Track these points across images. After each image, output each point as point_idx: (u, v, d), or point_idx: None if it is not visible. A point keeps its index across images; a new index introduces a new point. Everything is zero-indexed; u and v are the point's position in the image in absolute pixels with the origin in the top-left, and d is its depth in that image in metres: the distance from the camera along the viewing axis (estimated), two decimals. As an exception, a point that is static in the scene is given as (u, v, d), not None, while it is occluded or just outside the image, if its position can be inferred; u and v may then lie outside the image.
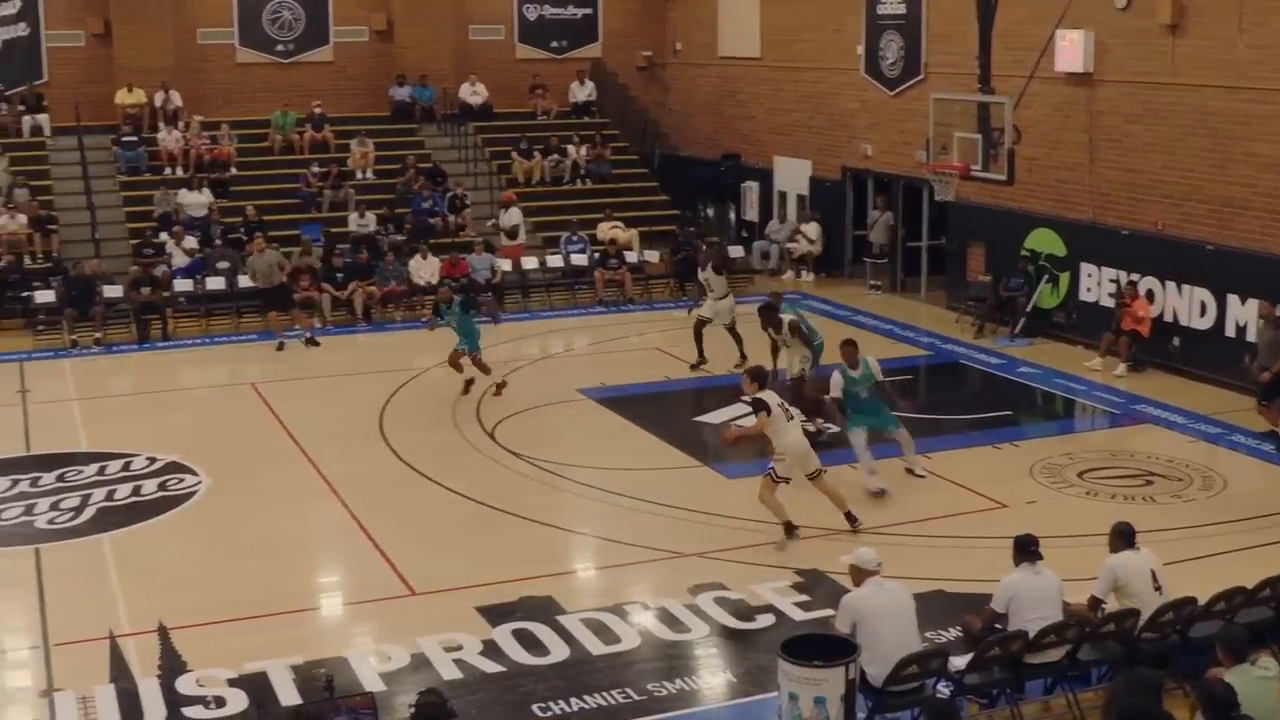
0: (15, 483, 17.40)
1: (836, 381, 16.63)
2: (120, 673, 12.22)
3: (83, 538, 15.69)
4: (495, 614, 13.21)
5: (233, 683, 11.85)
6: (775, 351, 20.36)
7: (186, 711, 11.46)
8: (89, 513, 16.39)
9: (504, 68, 35.89)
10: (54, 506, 16.54)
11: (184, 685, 11.90)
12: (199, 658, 12.39)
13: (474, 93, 34.80)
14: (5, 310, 26.78)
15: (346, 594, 14.50)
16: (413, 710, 9.11)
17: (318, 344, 24.92)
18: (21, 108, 32.01)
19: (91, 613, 13.51)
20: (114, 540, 15.62)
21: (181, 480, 17.48)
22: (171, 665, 12.31)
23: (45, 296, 26.42)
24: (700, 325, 22.72)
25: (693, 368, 22.57)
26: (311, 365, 23.68)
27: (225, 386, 22.96)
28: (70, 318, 25.54)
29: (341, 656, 12.38)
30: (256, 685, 11.80)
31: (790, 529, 15.00)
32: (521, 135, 33.86)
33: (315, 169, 31.48)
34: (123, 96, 32.39)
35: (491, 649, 12.48)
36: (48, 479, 17.50)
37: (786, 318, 19.90)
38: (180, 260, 27.78)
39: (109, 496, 16.90)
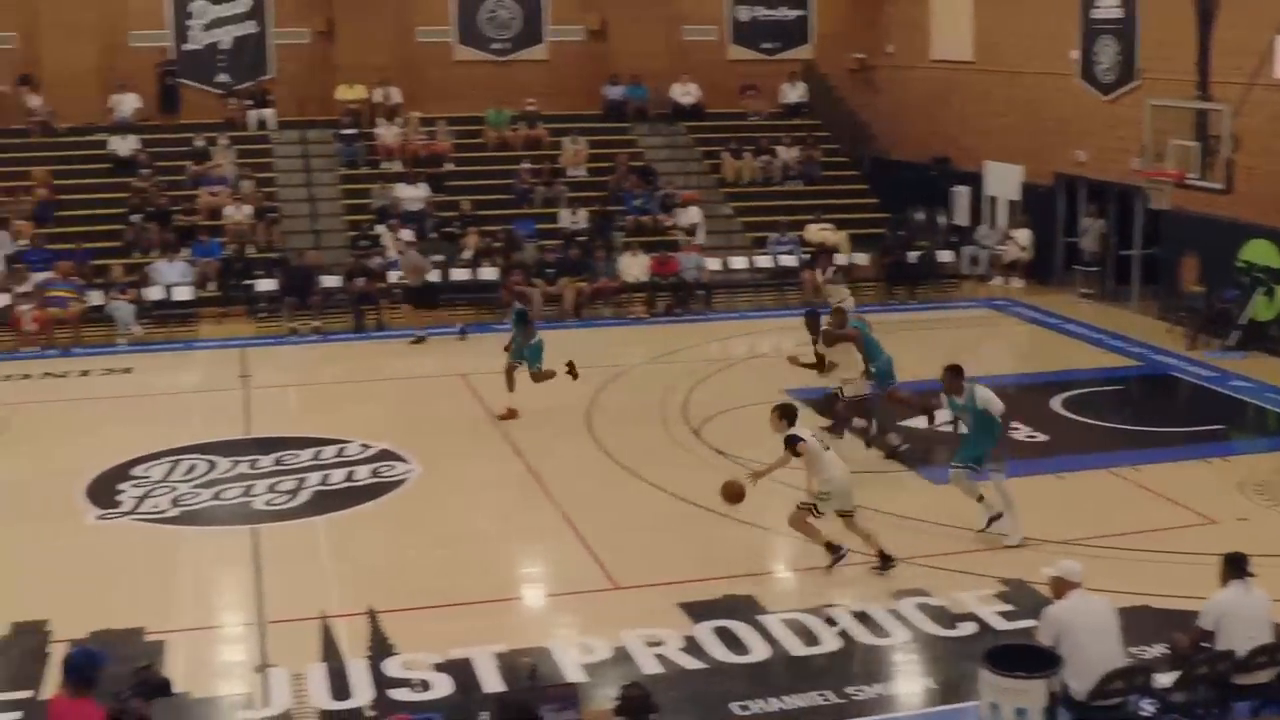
0: (235, 464, 18.06)
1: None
2: (331, 652, 12.60)
3: (298, 520, 16.23)
4: (697, 610, 13.32)
5: (438, 667, 12.13)
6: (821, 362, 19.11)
7: (393, 693, 11.75)
8: (305, 495, 16.95)
9: (716, 68, 36.02)
10: (272, 489, 17.14)
11: (391, 668, 12.22)
12: (406, 641, 12.72)
13: (685, 93, 35.04)
14: (229, 298, 27.74)
15: (550, 585, 14.77)
16: (617, 702, 9.27)
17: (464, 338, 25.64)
18: (249, 102, 33.11)
19: (304, 593, 13.98)
20: (328, 523, 16.14)
21: (393, 467, 17.96)
22: (380, 648, 12.66)
23: (267, 285, 27.32)
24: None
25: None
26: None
27: (436, 377, 23.36)
28: (290, 306, 26.38)
29: (543, 646, 12.59)
30: (461, 671, 12.07)
31: (833, 550, 14.39)
32: (732, 135, 34.01)
33: (528, 166, 31.99)
34: (343, 92, 33.27)
35: (692, 645, 12.60)
36: (266, 462, 18.11)
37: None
38: (396, 252, 28.47)
39: (324, 481, 17.45)
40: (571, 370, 20.12)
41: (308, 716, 11.51)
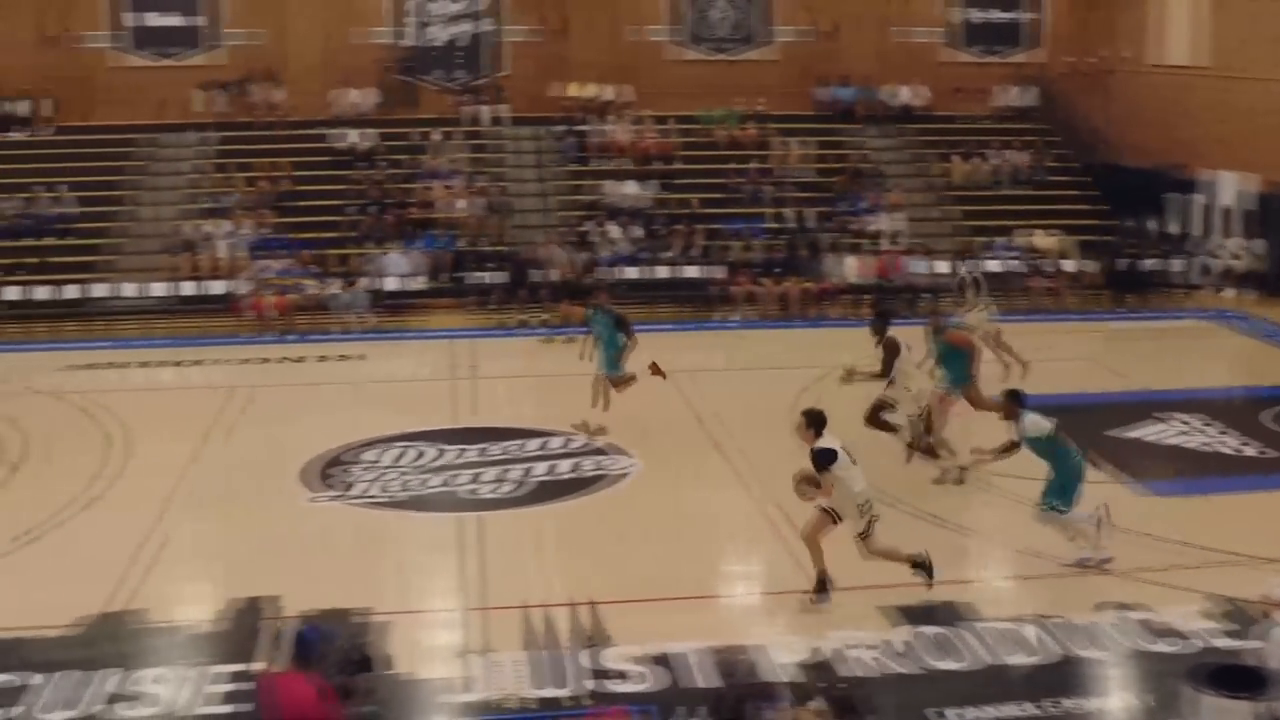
0: (463, 452, 18.59)
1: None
2: (547, 640, 12.89)
3: (523, 508, 16.67)
4: (898, 615, 13.37)
5: (651, 660, 12.30)
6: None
7: (608, 685, 11.96)
8: (530, 485, 17.39)
9: (941, 70, 35.81)
10: (498, 477, 17.60)
11: (606, 658, 12.44)
12: (621, 633, 12.94)
13: (913, 95, 34.89)
14: (460, 289, 28.47)
15: (759, 583, 14.89)
16: (825, 703, 9.35)
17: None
18: (482, 98, 33.87)
19: (521, 580, 14.33)
20: (550, 513, 16.53)
21: (616, 461, 18.31)
22: (595, 638, 12.93)
23: (496, 278, 27.99)
24: None
25: None
26: (742, 357, 24.26)
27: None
28: (518, 299, 26.99)
29: (752, 644, 12.68)
30: (674, 665, 12.22)
31: (823, 584, 13.61)
32: (958, 138, 33.77)
33: (754, 165, 32.18)
34: (574, 89, 33.81)
35: (898, 650, 12.62)
36: (494, 450, 18.58)
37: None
38: (622, 248, 28.90)
39: (549, 471, 17.86)
40: (656, 371, 19.68)
41: (522, 702, 11.76)
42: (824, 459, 13.21)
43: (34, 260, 29.37)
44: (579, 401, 19.70)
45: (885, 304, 20.15)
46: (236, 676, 12.18)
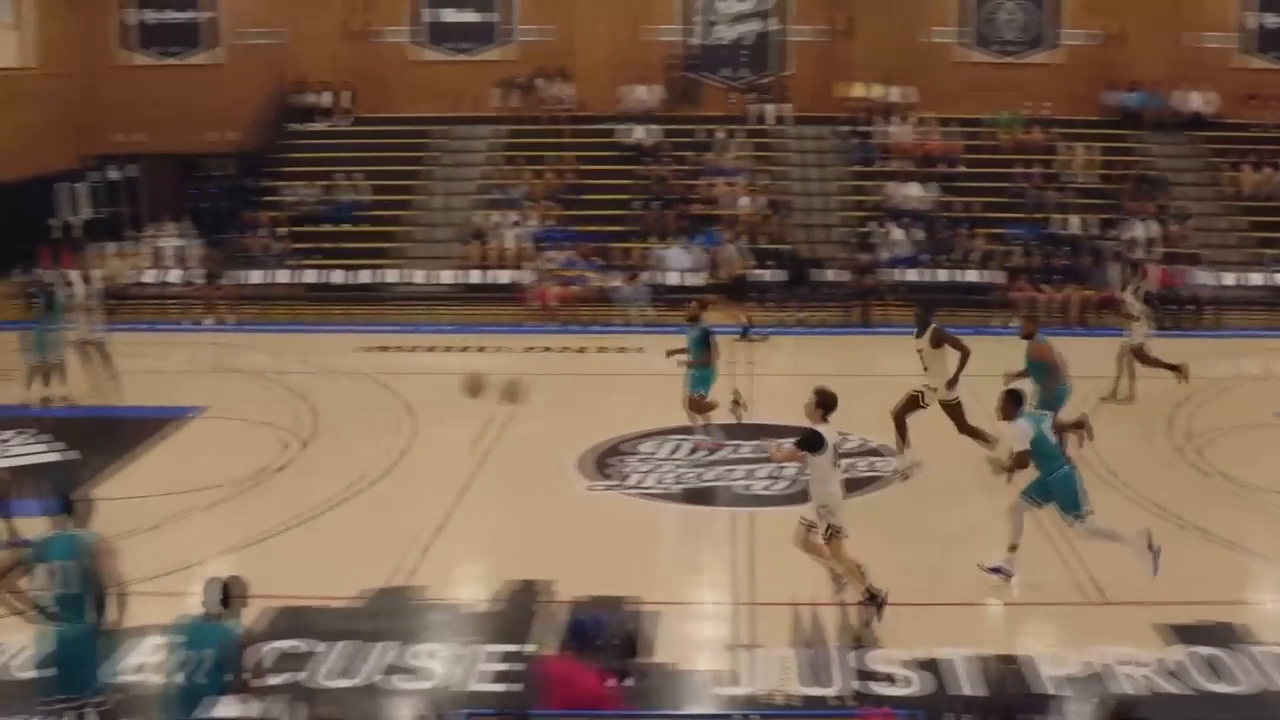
0: (736, 448, 18.77)
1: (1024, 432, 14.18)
2: (814, 638, 12.97)
3: (794, 506, 16.69)
4: (1175, 634, 13.02)
5: (917, 664, 12.29)
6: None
7: (870, 685, 11.98)
8: (802, 483, 17.34)
9: (1233, 76, 34.62)
10: (771, 474, 17.73)
11: (870, 660, 12.46)
12: (885, 635, 12.93)
13: (1203, 101, 33.82)
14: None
15: (1030, 593, 14.64)
16: (1104, 714, 9.16)
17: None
18: (764, 96, 34.00)
19: (793, 577, 14.38)
20: (819, 513, 16.54)
21: (890, 463, 18.29)
22: (862, 639, 12.94)
23: (771, 275, 28.13)
24: None
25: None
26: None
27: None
28: (798, 297, 27.07)
29: (1021, 655, 12.54)
30: (941, 670, 12.18)
31: (875, 597, 13.19)
32: (1249, 147, 32.64)
33: (1037, 169, 31.64)
34: (858, 90, 33.68)
35: (1171, 669, 12.33)
36: (773, 445, 18.59)
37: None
38: (900, 250, 28.74)
39: (818, 471, 17.86)
40: (737, 401, 18.92)
41: (786, 699, 11.81)
42: (815, 442, 13.08)
43: (329, 245, 30.62)
44: (860, 401, 19.62)
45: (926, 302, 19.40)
46: (508, 657, 12.55)
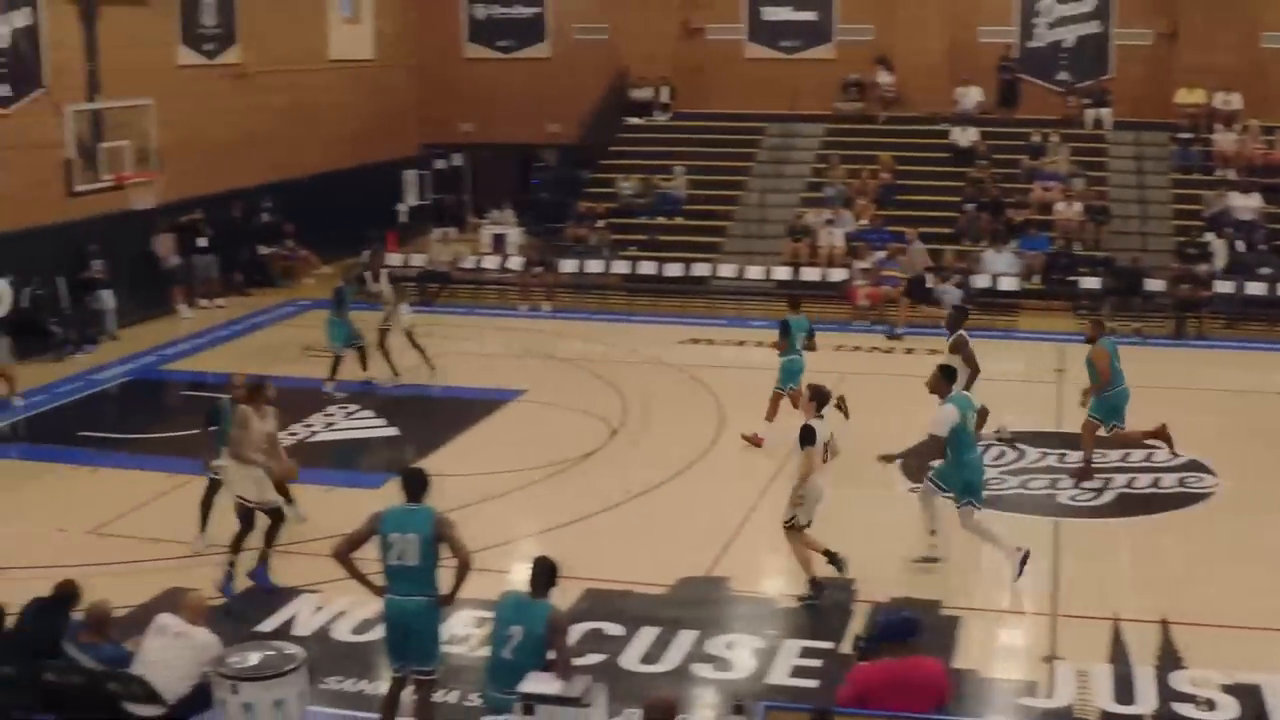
0: (1044, 455, 18.63)
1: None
2: (1118, 655, 12.81)
3: (1100, 519, 16.55)
4: None
5: (1226, 689, 12.05)
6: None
7: (1177, 707, 11.79)
8: (1109, 495, 17.24)
9: None
10: (1079, 485, 17.53)
11: (1177, 681, 12.24)
12: (1194, 657, 12.70)
13: None
14: (1052, 292, 28.30)
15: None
16: None
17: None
18: (1087, 101, 33.39)
19: (1098, 591, 14.28)
20: (1128, 526, 16.34)
21: (1200, 479, 17.88)
22: (1168, 659, 12.74)
23: (1090, 283, 27.68)
24: None
25: None
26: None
27: (1253, 393, 22.74)
28: (1112, 305, 26.59)
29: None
30: (1249, 696, 11.93)
31: (816, 589, 13.85)
32: None
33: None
34: (1182, 95, 32.72)
35: None
36: (1074, 457, 18.39)
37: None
38: (1224, 261, 27.94)
39: (1129, 484, 17.64)
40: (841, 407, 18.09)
41: (1090, 715, 11.75)
42: (805, 436, 13.65)
43: (646, 237, 31.29)
44: (1166, 415, 19.32)
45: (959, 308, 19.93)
46: (809, 652, 12.77)
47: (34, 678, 10.82)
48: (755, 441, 19.21)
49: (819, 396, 14.16)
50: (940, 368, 15.30)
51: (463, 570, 10.52)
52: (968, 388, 17.23)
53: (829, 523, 16.10)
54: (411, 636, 10.54)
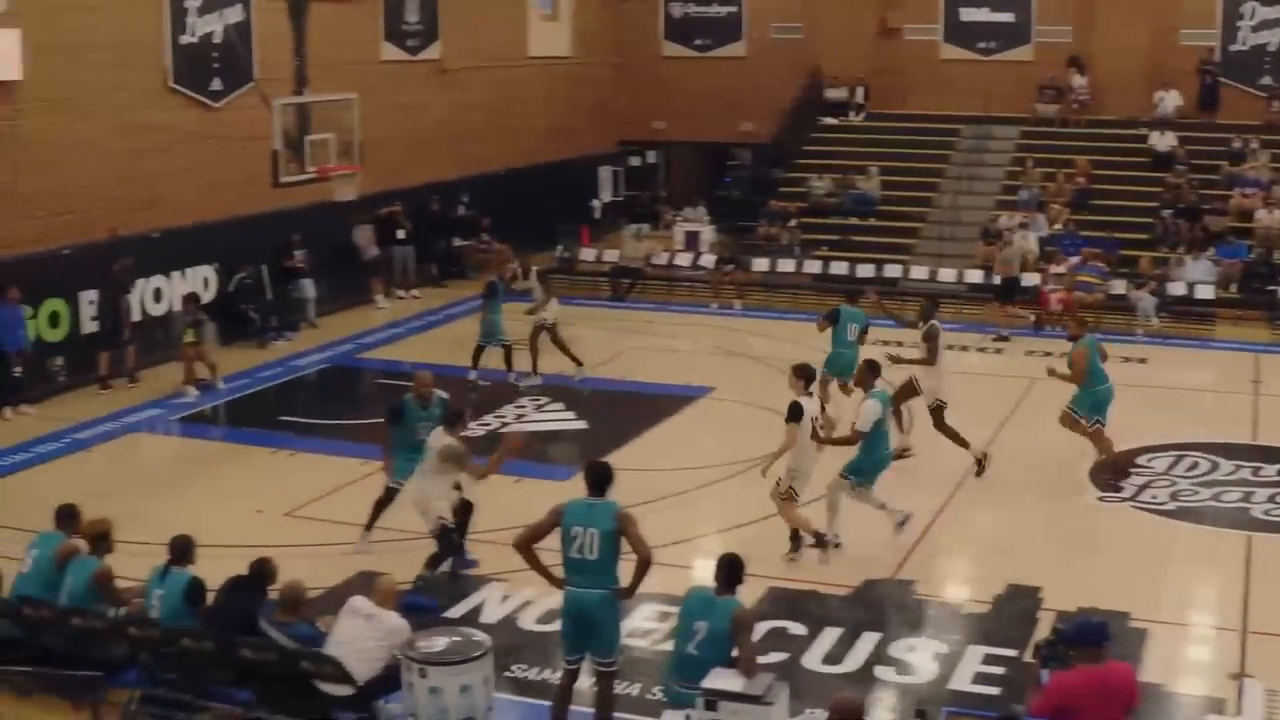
0: (1238, 468, 18.26)
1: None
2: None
3: (1294, 535, 16.20)
4: None
5: None
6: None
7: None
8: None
9: None
10: (1272, 498, 17.16)
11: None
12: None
13: None
14: (1250, 301, 27.64)
15: None
16: None
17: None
18: (1285, 104, 32.56)
19: (1288, 609, 14.03)
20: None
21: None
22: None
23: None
24: None
25: None
26: None
27: None
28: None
29: None
30: None
31: (822, 539, 14.89)
32: None
33: None
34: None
35: None
36: (1269, 470, 18.10)
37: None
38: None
39: (1327, 499, 17.21)
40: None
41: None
42: (792, 412, 14.54)
43: (837, 237, 31.25)
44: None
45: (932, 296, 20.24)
46: (991, 659, 12.72)
47: (230, 654, 11.25)
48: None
49: (806, 375, 14.95)
50: (867, 362, 15.85)
51: (642, 566, 10.56)
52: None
53: (1022, 531, 16.04)
54: (591, 629, 10.66)
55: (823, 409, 16.81)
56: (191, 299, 23.09)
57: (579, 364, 22.83)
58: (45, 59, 21.66)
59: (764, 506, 16.24)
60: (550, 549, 10.90)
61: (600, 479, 10.85)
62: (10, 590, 12.59)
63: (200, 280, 24.63)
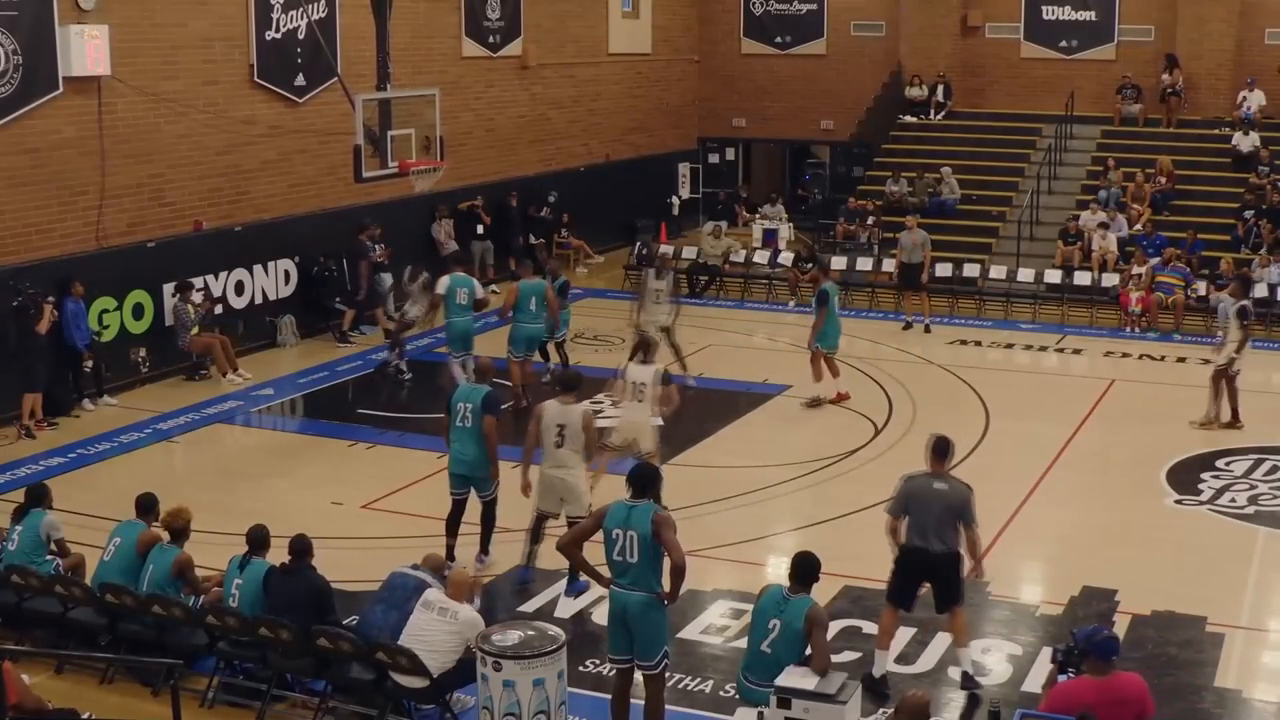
0: (1301, 470, 18.10)
1: None
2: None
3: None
4: None
5: None
6: None
7: None
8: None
9: None
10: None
11: None
12: None
13: None
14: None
15: None
16: None
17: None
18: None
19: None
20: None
21: None
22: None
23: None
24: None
25: None
26: None
27: None
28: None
29: None
30: None
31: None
32: None
33: None
34: None
35: None
36: (1355, 478, 17.87)
37: None
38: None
39: None
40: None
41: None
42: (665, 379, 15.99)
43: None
44: None
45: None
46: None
47: (308, 643, 11.39)
48: (840, 399, 21.12)
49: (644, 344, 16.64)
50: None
51: (676, 573, 10.46)
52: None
53: (1087, 530, 15.95)
54: (634, 631, 10.61)
55: None
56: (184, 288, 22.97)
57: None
58: (132, 54, 22.01)
59: (839, 505, 16.27)
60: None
61: (642, 481, 10.80)
62: (92, 578, 12.81)
63: (281, 274, 24.87)
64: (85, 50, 21.07)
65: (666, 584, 10.60)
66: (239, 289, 24.06)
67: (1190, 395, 21.09)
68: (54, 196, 21.29)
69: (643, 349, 16.56)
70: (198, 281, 22.95)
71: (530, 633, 10.53)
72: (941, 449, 11.88)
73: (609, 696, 11.10)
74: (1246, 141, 31.55)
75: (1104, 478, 18.05)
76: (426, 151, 23.71)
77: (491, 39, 30.64)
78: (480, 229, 29.36)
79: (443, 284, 21.32)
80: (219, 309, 23.48)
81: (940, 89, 35.32)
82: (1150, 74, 33.82)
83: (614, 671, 11.02)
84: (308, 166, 25.50)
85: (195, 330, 22.49)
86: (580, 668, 12.18)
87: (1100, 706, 9.00)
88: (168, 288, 22.56)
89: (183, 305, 22.53)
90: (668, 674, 11.10)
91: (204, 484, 17.48)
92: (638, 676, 10.78)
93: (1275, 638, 13.73)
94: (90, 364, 20.82)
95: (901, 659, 12.68)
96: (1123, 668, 9.94)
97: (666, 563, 10.51)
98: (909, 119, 35.40)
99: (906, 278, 26.69)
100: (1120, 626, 13.29)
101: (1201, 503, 17.04)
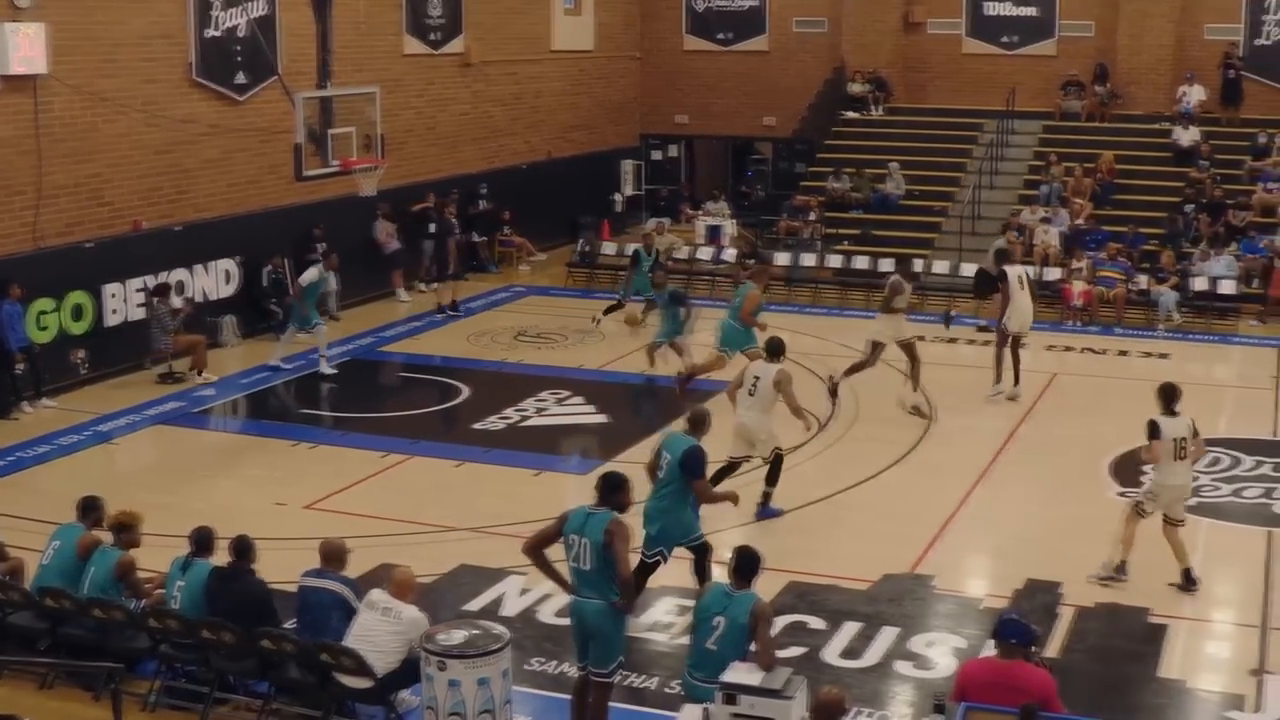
0: (1259, 464, 18.22)
1: None
2: (1331, 671, 12.48)
3: (1314, 530, 16.12)
4: None
5: None
6: None
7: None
8: (1313, 500, 16.79)
9: None
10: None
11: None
12: None
13: None
14: (1269, 297, 27.47)
15: None
16: None
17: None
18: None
19: (1310, 605, 13.97)
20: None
21: None
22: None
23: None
24: None
25: None
26: None
27: None
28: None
29: None
30: None
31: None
32: None
33: None
34: None
35: None
36: (1292, 466, 18.00)
37: None
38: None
39: (1348, 495, 17.10)
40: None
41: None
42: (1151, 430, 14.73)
43: (858, 231, 31.17)
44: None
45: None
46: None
47: (251, 645, 11.30)
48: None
49: (774, 349, 16.62)
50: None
51: (622, 585, 10.49)
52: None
53: (1042, 525, 16.02)
54: (590, 638, 10.64)
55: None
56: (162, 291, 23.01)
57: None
58: (70, 52, 21.79)
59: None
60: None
61: (604, 487, 10.80)
62: (32, 581, 12.67)
63: (222, 273, 24.69)
64: (21, 48, 20.85)
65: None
66: (180, 289, 23.84)
67: (1133, 388, 21.21)
68: (-10, 196, 21.09)
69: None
70: (137, 282, 22.75)
71: (475, 632, 10.47)
72: None
73: (555, 695, 11.07)
74: (1186, 136, 31.79)
75: (1048, 470, 18.15)
76: (367, 150, 23.63)
77: (433, 36, 30.52)
78: (432, 228, 29.14)
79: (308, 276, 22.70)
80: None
81: (881, 85, 35.38)
82: (1090, 71, 34.00)
83: (577, 676, 11.05)
84: (248, 165, 25.33)
85: (176, 332, 22.31)
86: (525, 666, 12.15)
87: (992, 688, 9.24)
88: (108, 288, 22.35)
89: (161, 308, 22.34)
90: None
91: (146, 485, 17.35)
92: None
93: (1218, 628, 13.79)
94: (23, 366, 20.58)
95: (848, 654, 12.71)
96: (1070, 660, 10.03)
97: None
98: (850, 115, 35.46)
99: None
100: (1064, 619, 13.37)
101: (1144, 494, 17.09)
